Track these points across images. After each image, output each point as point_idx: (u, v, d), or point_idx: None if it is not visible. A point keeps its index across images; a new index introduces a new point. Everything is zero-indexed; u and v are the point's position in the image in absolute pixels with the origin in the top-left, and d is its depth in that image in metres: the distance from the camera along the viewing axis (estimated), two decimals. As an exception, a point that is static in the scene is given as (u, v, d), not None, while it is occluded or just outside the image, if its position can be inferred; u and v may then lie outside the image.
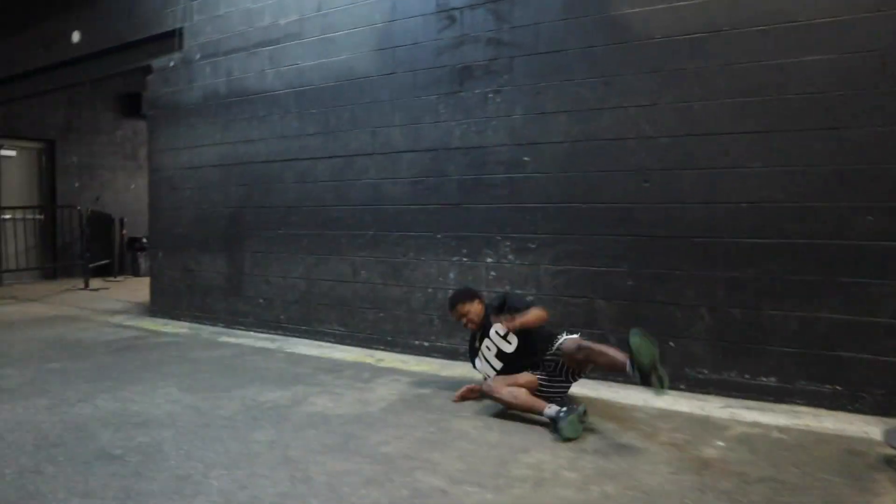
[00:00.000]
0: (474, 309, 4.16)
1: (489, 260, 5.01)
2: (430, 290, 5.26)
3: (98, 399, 3.98)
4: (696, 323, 4.24)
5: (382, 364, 5.04)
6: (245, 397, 4.06)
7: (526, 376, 3.93)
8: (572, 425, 3.44)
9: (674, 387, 4.27)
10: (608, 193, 4.53)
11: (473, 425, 3.57)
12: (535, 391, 3.88)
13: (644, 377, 3.23)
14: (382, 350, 5.46)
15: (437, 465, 3.03)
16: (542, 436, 3.42)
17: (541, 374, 3.93)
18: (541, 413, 3.63)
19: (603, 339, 4.31)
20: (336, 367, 4.90)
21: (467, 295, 4.25)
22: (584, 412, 3.55)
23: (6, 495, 2.67)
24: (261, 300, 6.41)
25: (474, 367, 4.20)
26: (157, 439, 3.30)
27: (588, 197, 4.60)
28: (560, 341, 3.84)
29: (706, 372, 4.21)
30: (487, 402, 3.91)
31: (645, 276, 4.40)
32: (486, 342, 4.07)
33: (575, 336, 3.88)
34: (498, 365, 4.03)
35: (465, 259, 5.12)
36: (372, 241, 5.61)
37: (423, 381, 4.52)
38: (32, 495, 2.67)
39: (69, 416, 3.64)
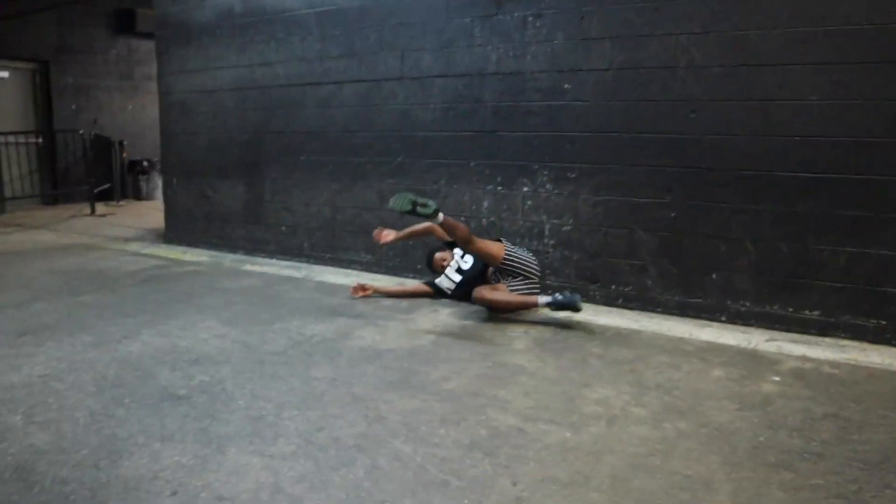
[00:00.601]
0: (448, 254, 4.90)
1: (525, 189, 4.86)
2: (462, 219, 5.12)
3: (143, 335, 3.87)
4: (740, 256, 4.17)
5: (417, 294, 5.01)
6: (290, 331, 3.97)
7: (502, 286, 4.41)
8: (575, 296, 4.10)
9: (715, 318, 4.27)
10: (653, 123, 4.35)
11: (527, 359, 3.52)
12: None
13: (412, 213, 4.23)
14: (412, 278, 5.38)
15: (506, 402, 2.98)
16: (596, 370, 3.38)
17: (508, 282, 4.40)
18: (535, 305, 4.18)
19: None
20: (371, 298, 4.83)
21: (439, 248, 4.98)
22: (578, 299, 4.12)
23: (87, 440, 2.59)
24: (283, 228, 6.25)
25: (435, 282, 4.86)
26: (217, 378, 3.22)
27: (632, 126, 4.42)
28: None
29: (748, 304, 4.16)
30: (519, 329, 3.89)
31: (688, 209, 4.30)
32: (450, 263, 4.77)
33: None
34: (456, 277, 4.71)
35: (499, 188, 4.96)
36: (400, 169, 5.42)
37: (460, 312, 4.45)
38: (111, 440, 2.59)
39: (120, 355, 3.54)
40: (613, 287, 4.60)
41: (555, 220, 4.77)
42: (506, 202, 4.97)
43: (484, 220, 5.04)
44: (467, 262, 4.70)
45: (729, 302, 4.23)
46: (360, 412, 2.86)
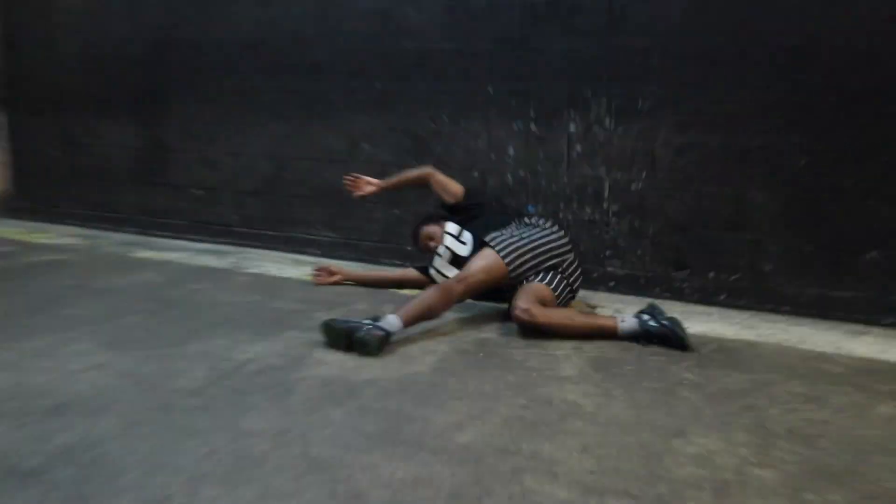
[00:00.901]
0: (438, 230, 4.58)
1: (573, 128, 4.64)
2: (475, 175, 4.90)
3: (-26, 363, 3.62)
4: (913, 225, 3.98)
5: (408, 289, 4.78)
6: (211, 355, 3.69)
7: (541, 288, 4.13)
8: (680, 326, 3.78)
9: (874, 321, 4.08)
10: (772, 22, 4.12)
11: (582, 392, 3.27)
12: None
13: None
14: (399, 265, 5.16)
15: (554, 462, 2.75)
16: (693, 408, 3.15)
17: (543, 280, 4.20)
18: (613, 333, 3.87)
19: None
20: (338, 297, 4.59)
21: (428, 218, 4.73)
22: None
23: None
24: (198, 191, 6.02)
25: (430, 269, 4.64)
26: (93, 436, 2.90)
27: (739, 27, 4.18)
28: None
29: (924, 300, 3.98)
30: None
31: (827, 153, 4.09)
32: (439, 248, 4.46)
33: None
34: (449, 272, 4.38)
35: (532, 126, 4.74)
36: (380, 99, 5.18)
37: (477, 314, 4.24)
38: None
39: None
40: (712, 275, 4.39)
41: (618, 175, 4.54)
42: (543, 147, 4.74)
43: (509, 176, 4.81)
44: (467, 242, 4.39)
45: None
46: (324, 487, 2.59)
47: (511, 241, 4.13)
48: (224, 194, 5.83)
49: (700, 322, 4.16)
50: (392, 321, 3.73)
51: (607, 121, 4.60)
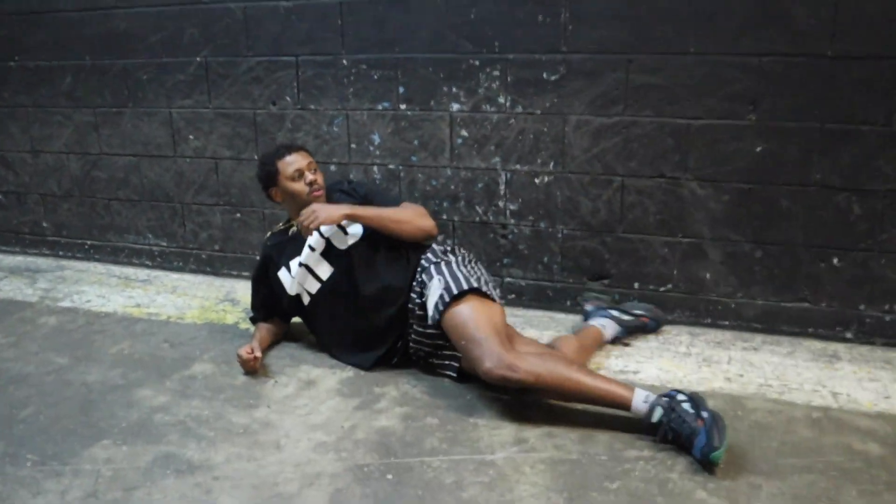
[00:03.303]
0: (318, 179, 2.45)
1: (455, 107, 2.74)
2: (331, 169, 2.96)
3: None
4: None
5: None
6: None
7: (494, 313, 2.17)
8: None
9: (834, 336, 2.46)
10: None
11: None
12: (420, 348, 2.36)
13: None
14: (246, 277, 3.21)
15: None
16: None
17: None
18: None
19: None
20: (187, 336, 2.58)
21: (301, 145, 2.55)
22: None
23: None
24: (-3, 197, 3.78)
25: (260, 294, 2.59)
26: None
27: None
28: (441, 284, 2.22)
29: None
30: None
31: (792, 137, 2.35)
32: (311, 240, 2.37)
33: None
34: (325, 273, 2.38)
35: (403, 106, 2.80)
36: (203, 77, 3.08)
37: (348, 376, 2.27)
38: None
39: None
40: (637, 286, 2.67)
41: (518, 166, 2.66)
42: (417, 132, 2.75)
43: (375, 170, 2.88)
44: (351, 234, 2.36)
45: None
46: None
47: (469, 269, 2.27)
48: (30, 198, 3.60)
49: (637, 353, 2.47)
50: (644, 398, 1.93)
51: (502, 97, 2.65)
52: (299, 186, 2.37)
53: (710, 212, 2.50)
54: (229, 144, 3.05)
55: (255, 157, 3.01)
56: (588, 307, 2.55)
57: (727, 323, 2.59)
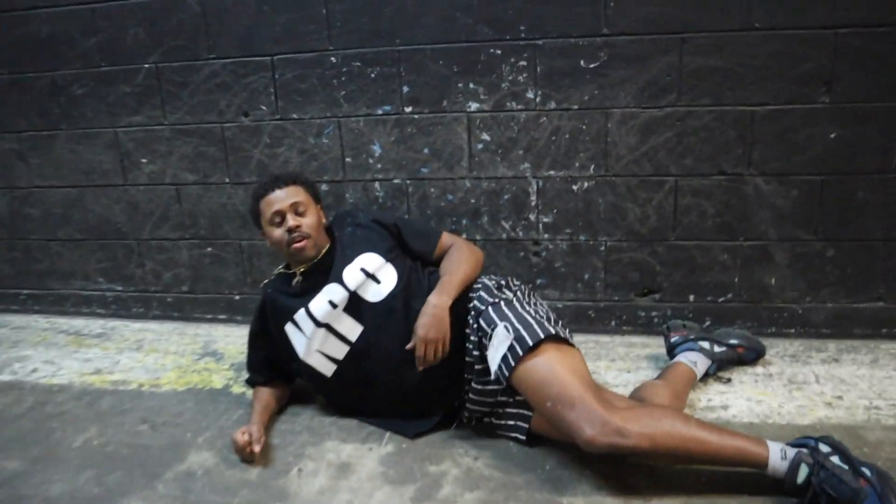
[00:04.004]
0: (312, 209, 1.81)
1: (474, 105, 2.13)
2: (323, 189, 2.33)
3: None
4: None
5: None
6: None
7: (576, 361, 1.60)
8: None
9: None
10: None
11: None
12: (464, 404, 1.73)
13: None
14: (223, 320, 2.56)
15: None
16: None
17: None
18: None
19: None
20: (170, 412, 1.86)
21: (292, 177, 1.84)
22: None
23: None
24: None
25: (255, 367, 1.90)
26: None
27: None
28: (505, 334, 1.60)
29: None
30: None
31: (870, 121, 1.93)
32: (326, 290, 1.74)
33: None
34: (353, 332, 1.72)
35: (408, 109, 2.11)
36: (155, 88, 2.29)
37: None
38: None
39: None
40: (692, 298, 2.17)
41: (551, 172, 2.10)
42: (427, 140, 2.12)
43: (377, 186, 2.18)
44: (384, 281, 1.75)
45: None
46: None
47: (535, 309, 1.70)
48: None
49: (714, 383, 1.97)
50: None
51: (530, 92, 2.06)
52: (277, 234, 1.75)
53: (777, 210, 2.02)
54: (193, 167, 2.35)
55: (227, 181, 2.33)
56: (674, 338, 2.00)
57: (793, 331, 2.12)
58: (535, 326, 1.61)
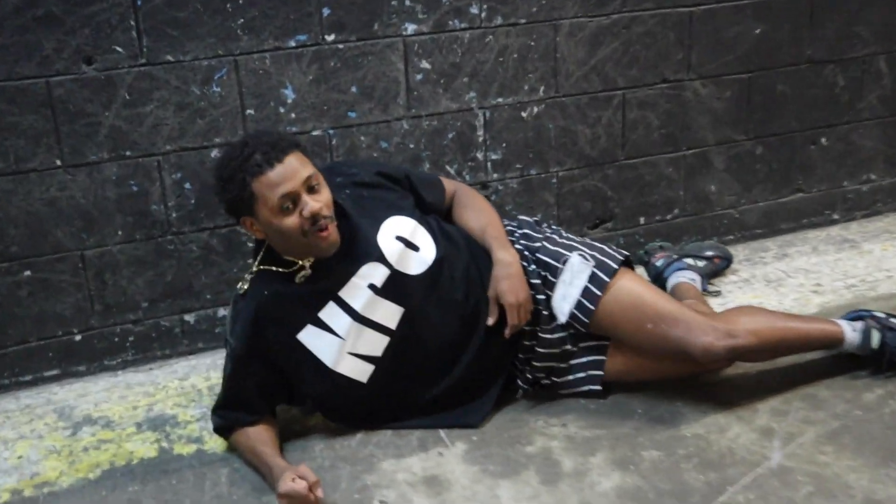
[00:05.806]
0: (322, 181, 1.33)
1: (411, 27, 1.72)
2: (213, 155, 1.65)
3: None
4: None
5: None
6: None
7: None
8: None
9: (825, 222, 2.26)
10: None
11: None
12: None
13: None
14: (60, 381, 1.83)
15: None
16: None
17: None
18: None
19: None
20: None
21: (290, 141, 1.36)
22: None
23: None
24: None
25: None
26: None
27: None
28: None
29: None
30: None
31: (791, 15, 2.03)
32: (363, 272, 1.36)
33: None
34: (391, 318, 1.37)
35: (330, 37, 1.69)
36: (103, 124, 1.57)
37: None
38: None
39: None
40: (643, 220, 2.10)
41: (500, 98, 1.85)
42: (352, 75, 1.70)
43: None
44: (422, 250, 1.40)
45: None
46: None
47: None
48: None
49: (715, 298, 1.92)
50: None
51: (475, 6, 1.77)
52: (292, 224, 1.27)
53: (714, 113, 2.04)
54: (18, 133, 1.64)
55: (58, 164, 1.67)
56: (658, 263, 1.89)
57: (732, 237, 2.18)
58: (608, 250, 1.43)
